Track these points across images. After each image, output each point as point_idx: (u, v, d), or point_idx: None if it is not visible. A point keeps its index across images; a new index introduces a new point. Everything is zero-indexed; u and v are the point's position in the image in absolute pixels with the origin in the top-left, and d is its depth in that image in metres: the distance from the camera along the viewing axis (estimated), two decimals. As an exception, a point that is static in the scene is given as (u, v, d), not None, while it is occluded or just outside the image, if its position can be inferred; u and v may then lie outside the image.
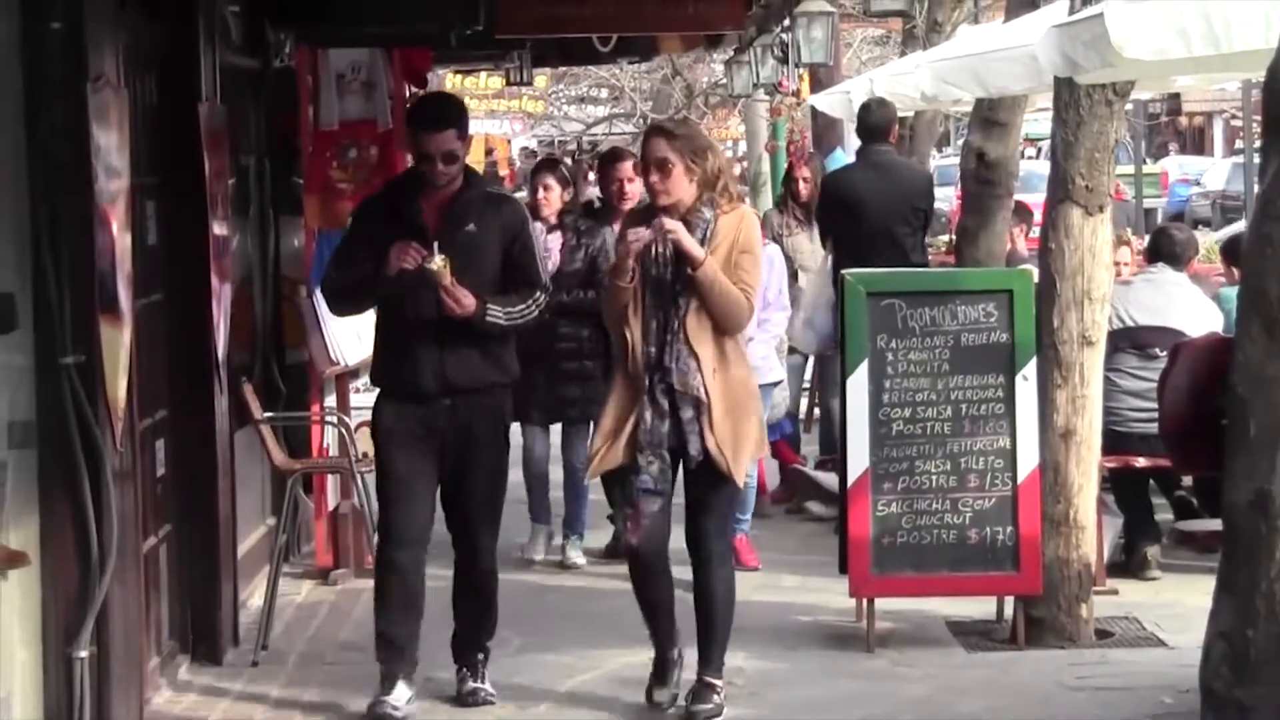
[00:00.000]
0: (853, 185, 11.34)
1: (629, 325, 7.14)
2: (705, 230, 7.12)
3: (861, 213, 11.13)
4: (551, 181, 10.33)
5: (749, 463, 7.42)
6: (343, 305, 7.91)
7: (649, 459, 7.13)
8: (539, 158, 43.20)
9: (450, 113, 7.56)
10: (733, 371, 7.16)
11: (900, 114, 12.72)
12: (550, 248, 10.00)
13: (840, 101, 15.02)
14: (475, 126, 39.79)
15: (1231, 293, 9.73)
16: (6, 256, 6.42)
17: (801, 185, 12.25)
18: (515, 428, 8.14)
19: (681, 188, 7.11)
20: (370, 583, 7.76)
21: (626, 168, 9.99)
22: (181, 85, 8.09)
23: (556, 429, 10.28)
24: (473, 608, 7.65)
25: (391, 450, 7.46)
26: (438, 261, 7.15)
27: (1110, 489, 9.74)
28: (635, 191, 9.76)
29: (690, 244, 7.04)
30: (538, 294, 7.47)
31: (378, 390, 7.62)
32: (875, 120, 11.52)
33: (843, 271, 8.99)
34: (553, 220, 10.20)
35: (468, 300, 7.23)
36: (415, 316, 7.33)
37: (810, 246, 12.01)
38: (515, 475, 9.72)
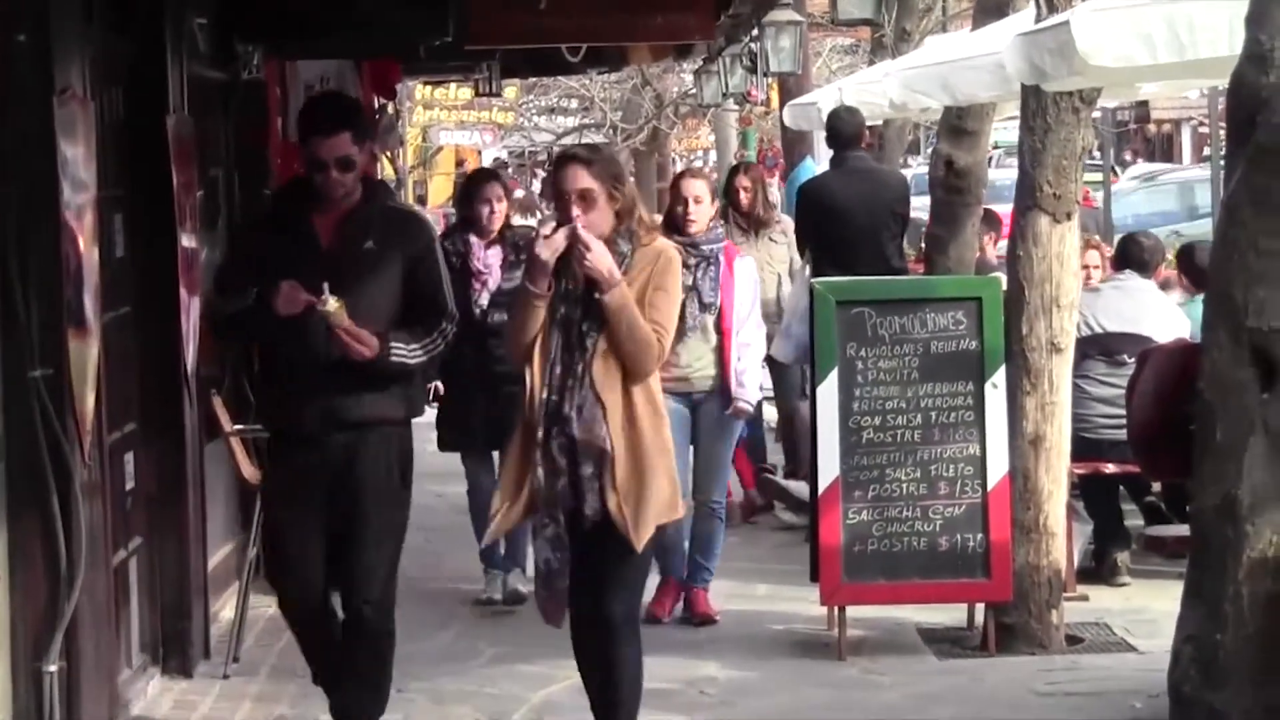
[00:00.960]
0: (834, 192, 11.34)
1: (531, 365, 6.29)
2: (622, 264, 6.29)
3: (845, 219, 11.14)
4: (502, 193, 9.61)
5: (654, 528, 6.35)
6: (228, 336, 7.38)
7: (543, 521, 6.31)
8: (509, 168, 43.23)
9: (344, 114, 6.81)
10: (642, 424, 6.28)
11: (870, 122, 12.75)
12: (490, 264, 9.45)
13: (809, 111, 15.04)
14: (445, 138, 39.82)
15: (1194, 307, 9.76)
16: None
17: (742, 195, 12.18)
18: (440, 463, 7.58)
19: (606, 219, 6.32)
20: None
21: (695, 186, 9.07)
22: (149, 97, 8.08)
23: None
24: (365, 671, 6.88)
25: (279, 514, 6.85)
26: (332, 304, 6.41)
27: (1080, 495, 9.76)
28: (703, 217, 9.00)
29: (603, 261, 6.18)
30: (444, 324, 6.69)
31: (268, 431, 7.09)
32: (846, 128, 11.54)
33: (811, 280, 9.03)
34: (493, 234, 9.47)
35: (370, 341, 6.48)
36: (304, 350, 6.57)
37: (756, 256, 11.99)
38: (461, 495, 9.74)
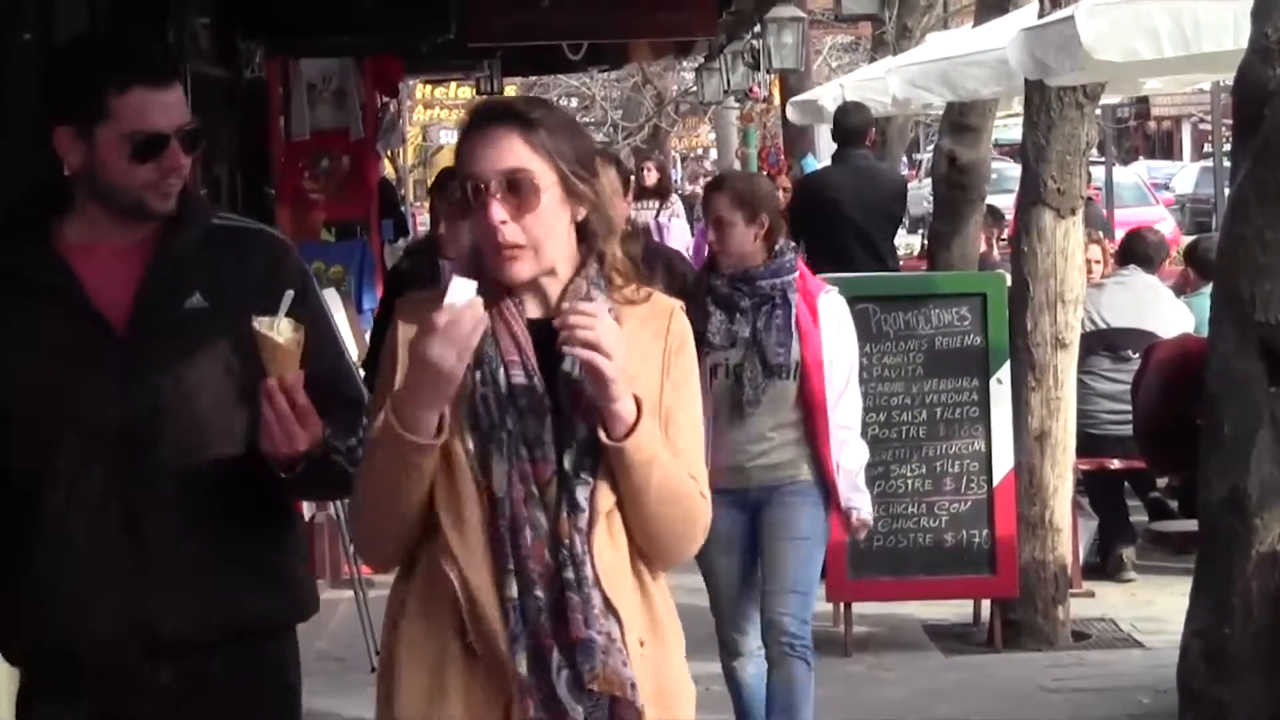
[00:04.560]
0: (833, 188, 11.36)
1: (450, 552, 3.25)
2: None
3: (841, 216, 11.16)
4: None
5: None
6: None
7: None
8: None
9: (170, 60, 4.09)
10: (668, 639, 3.41)
11: (870, 119, 12.77)
12: None
13: (810, 108, 15.05)
14: (446, 137, 39.77)
15: (1199, 301, 9.77)
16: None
17: (782, 195, 12.21)
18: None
19: (553, 229, 3.31)
20: (348, 593, 7.68)
21: (718, 202, 6.35)
22: (153, 96, 8.07)
23: None
24: None
25: None
26: (285, 328, 3.43)
27: (1085, 491, 9.77)
28: (736, 243, 6.30)
29: (611, 372, 3.20)
30: (364, 418, 3.53)
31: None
32: (853, 124, 11.56)
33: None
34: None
35: (314, 421, 3.43)
36: (85, 478, 3.48)
37: None
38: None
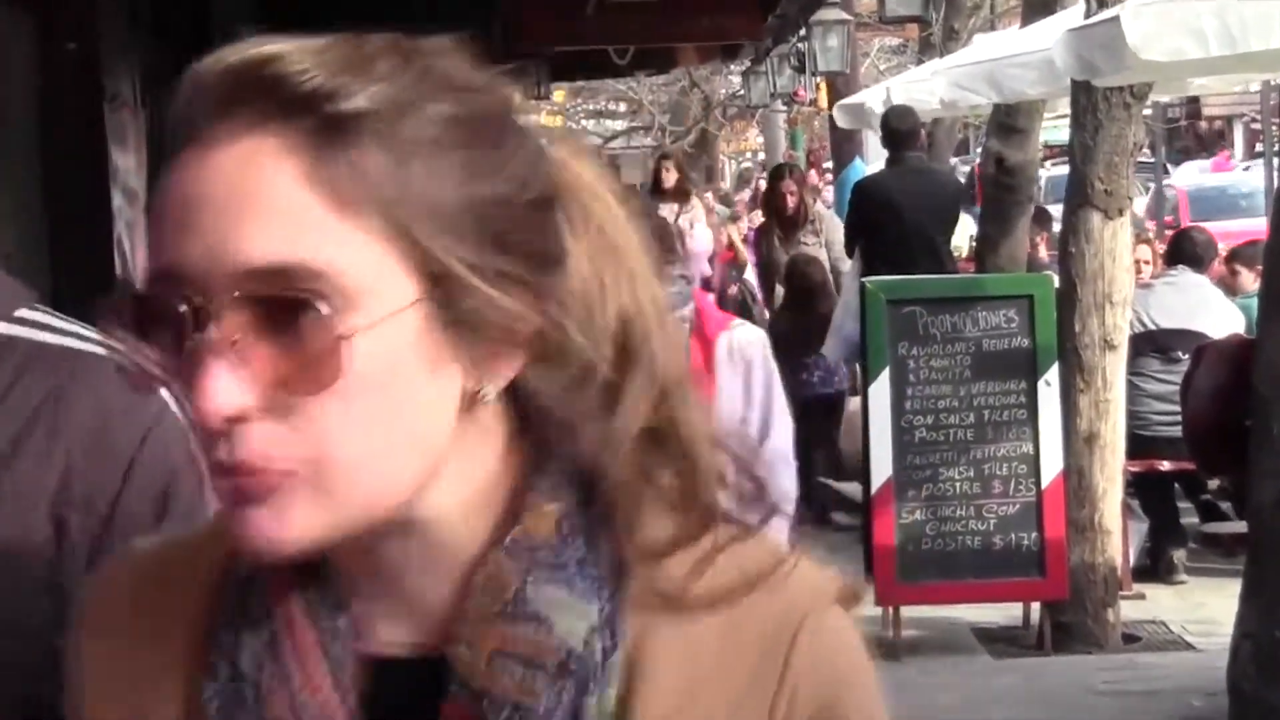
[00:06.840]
0: (891, 191, 11.36)
1: None
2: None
3: (901, 219, 11.15)
4: None
5: None
6: None
7: None
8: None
9: None
10: None
11: (917, 121, 12.76)
12: None
13: (857, 111, 15.03)
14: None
15: (1249, 302, 9.73)
16: (25, 280, 6.41)
17: (789, 199, 12.22)
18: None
19: (394, 426, 1.16)
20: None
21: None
22: (198, 105, 8.10)
23: None
24: None
25: None
26: None
27: (1135, 493, 9.72)
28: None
29: None
30: None
31: None
32: (904, 127, 11.56)
33: (862, 280, 8.99)
34: None
35: None
36: None
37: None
38: None
